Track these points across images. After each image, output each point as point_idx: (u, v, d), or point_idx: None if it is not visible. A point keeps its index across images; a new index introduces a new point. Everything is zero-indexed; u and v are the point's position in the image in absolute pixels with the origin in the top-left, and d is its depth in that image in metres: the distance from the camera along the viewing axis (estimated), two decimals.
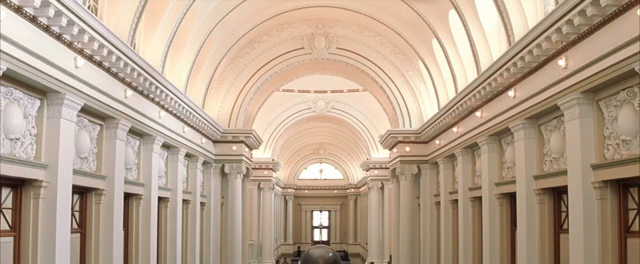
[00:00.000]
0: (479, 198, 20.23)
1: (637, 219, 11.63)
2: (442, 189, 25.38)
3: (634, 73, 10.29)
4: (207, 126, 25.21)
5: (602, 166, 12.06)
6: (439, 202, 26.25)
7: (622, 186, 11.99)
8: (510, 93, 16.30)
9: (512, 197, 17.64)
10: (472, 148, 21.42)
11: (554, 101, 13.51)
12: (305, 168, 73.12)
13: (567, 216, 13.79)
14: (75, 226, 14.60)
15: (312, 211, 75.68)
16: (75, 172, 13.67)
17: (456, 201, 23.14)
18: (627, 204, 11.96)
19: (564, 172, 13.50)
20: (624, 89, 11.39)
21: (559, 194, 15.05)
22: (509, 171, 17.94)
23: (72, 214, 14.29)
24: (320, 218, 76.37)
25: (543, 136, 15.48)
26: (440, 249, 25.71)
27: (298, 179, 72.79)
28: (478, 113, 19.46)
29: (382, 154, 40.95)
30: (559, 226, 15.11)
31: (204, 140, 25.84)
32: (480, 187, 19.94)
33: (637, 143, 11.07)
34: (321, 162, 72.05)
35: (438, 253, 26.50)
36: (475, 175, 21.43)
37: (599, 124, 12.40)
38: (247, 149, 30.01)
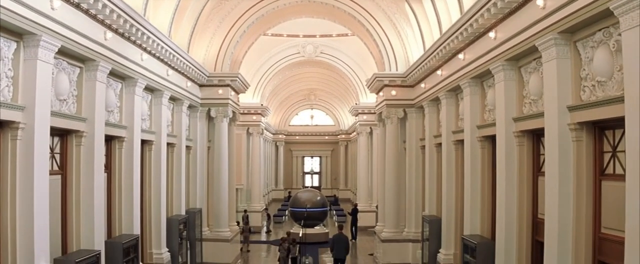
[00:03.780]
0: (462, 141, 20.33)
1: (611, 162, 11.70)
2: (427, 133, 25.47)
3: (610, 13, 10.19)
4: (192, 70, 25.06)
5: (578, 108, 12.05)
6: (424, 146, 26.38)
7: (597, 128, 12.03)
8: (491, 34, 16.18)
9: (493, 140, 17.67)
10: (456, 91, 21.41)
11: (532, 42, 13.41)
12: (296, 114, 73.28)
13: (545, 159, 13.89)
14: (56, 168, 14.68)
15: (303, 156, 76.27)
16: (54, 114, 13.62)
17: (441, 144, 23.26)
18: (602, 146, 12.00)
19: (542, 115, 13.50)
20: (600, 30, 11.30)
21: (537, 137, 15.12)
22: (491, 113, 17.97)
23: (53, 156, 14.37)
24: (312, 163, 76.98)
25: (523, 78, 15.44)
26: (425, 192, 25.98)
27: (289, 125, 73.02)
28: (461, 55, 19.37)
29: (371, 99, 40.89)
30: (537, 169, 15.23)
31: (190, 84, 25.74)
32: (463, 131, 20.02)
33: (612, 84, 11.07)
34: (312, 108, 72.16)
35: (423, 196, 26.78)
36: (458, 118, 21.48)
37: (576, 66, 12.34)
38: (233, 93, 29.93)
